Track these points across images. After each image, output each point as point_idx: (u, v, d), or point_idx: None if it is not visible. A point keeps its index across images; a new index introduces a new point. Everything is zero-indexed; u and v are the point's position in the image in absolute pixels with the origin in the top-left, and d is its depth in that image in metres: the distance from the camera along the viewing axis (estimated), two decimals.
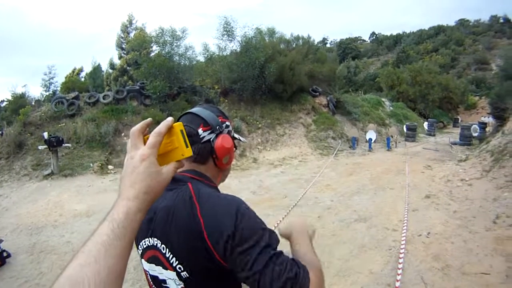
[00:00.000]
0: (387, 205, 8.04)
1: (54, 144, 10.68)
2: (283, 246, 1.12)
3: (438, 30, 78.82)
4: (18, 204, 8.84)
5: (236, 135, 1.39)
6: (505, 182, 7.59)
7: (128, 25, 28.20)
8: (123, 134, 13.09)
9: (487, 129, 20.47)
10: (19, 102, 15.18)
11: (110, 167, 11.59)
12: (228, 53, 17.80)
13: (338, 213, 7.52)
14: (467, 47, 66.38)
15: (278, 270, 0.97)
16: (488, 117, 23.46)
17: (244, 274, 0.98)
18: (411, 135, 20.77)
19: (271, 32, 20.35)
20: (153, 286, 1.19)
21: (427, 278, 4.57)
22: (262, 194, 9.33)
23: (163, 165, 0.86)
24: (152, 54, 17.71)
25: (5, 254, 5.65)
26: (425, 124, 25.74)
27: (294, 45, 23.40)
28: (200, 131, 1.20)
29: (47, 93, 24.23)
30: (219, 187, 1.30)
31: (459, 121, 32.52)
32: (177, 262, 1.07)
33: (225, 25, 17.12)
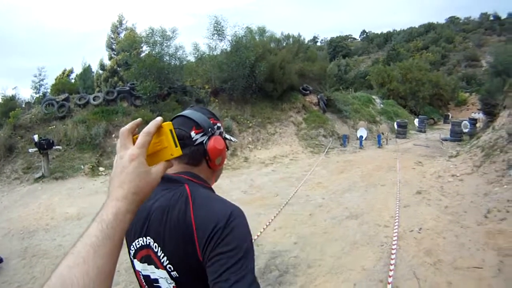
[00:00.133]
0: (379, 201, 8.10)
1: (44, 146, 10.60)
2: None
3: (429, 27, 79.52)
4: (9, 208, 8.76)
5: (227, 136, 1.40)
6: (496, 177, 7.72)
7: (118, 26, 27.93)
8: (113, 136, 13.01)
9: (477, 125, 20.70)
10: (9, 104, 14.95)
11: (101, 168, 11.52)
12: (219, 53, 17.81)
13: (329, 211, 7.55)
14: (457, 44, 67.09)
15: None
16: (479, 113, 23.75)
17: (213, 277, 0.97)
18: (402, 132, 20.95)
19: (262, 31, 20.39)
20: (145, 286, 1.19)
21: (420, 273, 4.61)
22: (253, 193, 9.33)
23: (153, 165, 0.86)
24: (142, 54, 17.61)
25: None
26: (416, 121, 25.98)
27: (284, 44, 23.38)
28: (192, 134, 1.22)
29: (38, 95, 23.95)
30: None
31: (450, 117, 32.84)
32: (168, 261, 1.09)
33: (216, 24, 17.12)
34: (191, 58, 18.32)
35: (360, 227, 6.55)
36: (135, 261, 1.20)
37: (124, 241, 0.93)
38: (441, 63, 59.14)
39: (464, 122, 20.41)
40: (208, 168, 1.27)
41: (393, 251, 5.24)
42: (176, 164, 1.21)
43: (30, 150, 11.00)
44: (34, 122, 13.39)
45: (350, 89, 32.69)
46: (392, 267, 4.73)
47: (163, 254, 1.09)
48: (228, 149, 1.37)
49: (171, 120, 1.25)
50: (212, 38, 17.48)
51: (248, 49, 16.38)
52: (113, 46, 27.74)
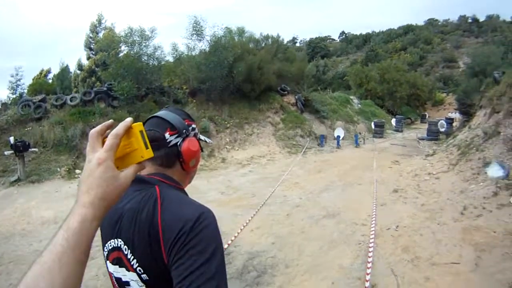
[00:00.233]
0: (356, 200, 8.19)
1: (20, 149, 10.26)
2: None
3: (407, 29, 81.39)
4: None
5: (202, 137, 1.41)
6: (471, 175, 7.89)
7: (97, 25, 27.65)
8: None
9: (454, 125, 21.35)
10: None
11: (77, 171, 11.24)
12: (197, 53, 17.82)
13: (307, 210, 7.58)
14: (435, 45, 68.92)
15: None
16: (455, 113, 24.49)
17: (177, 281, 0.96)
18: (379, 131, 21.37)
19: (241, 31, 20.47)
20: None
21: (398, 270, 4.67)
22: (230, 194, 9.30)
23: (123, 168, 0.84)
24: (121, 54, 17.35)
25: None
26: (393, 121, 26.61)
27: (263, 45, 23.62)
28: (167, 135, 1.21)
29: (14, 96, 23.40)
30: (186, 188, 1.32)
31: (427, 117, 33.78)
32: (137, 264, 1.08)
33: (195, 24, 17.12)
34: (170, 58, 18.27)
35: (337, 226, 6.59)
36: (108, 262, 1.19)
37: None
38: (419, 64, 60.63)
39: (441, 121, 20.99)
40: (182, 170, 1.26)
41: (371, 249, 5.29)
42: (150, 166, 1.22)
43: (5, 153, 10.68)
44: (10, 123, 13.00)
45: (328, 90, 33.10)
46: (369, 265, 4.77)
47: (132, 257, 1.09)
48: (202, 151, 1.37)
49: (145, 121, 1.25)
50: (191, 38, 17.50)
51: (227, 50, 16.43)
52: (92, 46, 27.52)
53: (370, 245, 5.47)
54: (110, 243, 1.16)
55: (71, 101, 14.38)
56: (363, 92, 33.22)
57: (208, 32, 17.44)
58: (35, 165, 11.26)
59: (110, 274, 1.20)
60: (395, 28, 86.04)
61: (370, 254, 5.11)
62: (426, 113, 37.00)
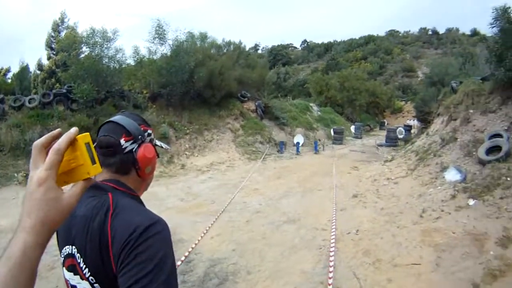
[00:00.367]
0: (316, 206, 8.30)
1: None
2: None
3: (368, 39, 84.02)
4: None
5: (158, 142, 1.41)
6: (429, 179, 8.19)
7: (60, 24, 26.63)
8: None
9: (412, 131, 22.14)
10: None
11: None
12: (159, 57, 17.69)
13: (267, 216, 7.61)
14: (395, 56, 71.48)
15: None
16: (413, 120, 25.50)
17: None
18: (338, 138, 21.79)
19: (203, 36, 20.50)
20: None
21: (359, 273, 4.75)
22: (190, 200, 9.19)
23: (69, 184, 0.78)
24: (82, 55, 16.78)
25: None
26: (352, 128, 27.27)
27: (225, 50, 23.75)
28: (122, 141, 1.19)
29: None
30: (144, 194, 1.33)
31: (386, 124, 34.90)
32: (89, 273, 1.06)
33: (157, 28, 16.99)
34: (131, 61, 18.00)
35: (298, 231, 6.65)
36: (64, 269, 1.17)
37: None
38: (379, 73, 62.61)
39: (400, 128, 21.79)
40: (138, 177, 1.25)
41: (332, 253, 5.36)
42: (105, 172, 1.19)
43: None
44: None
45: (289, 97, 33.55)
46: (331, 269, 4.83)
47: (84, 265, 1.07)
48: (158, 157, 1.36)
49: (101, 126, 1.23)
50: (153, 42, 17.35)
51: (189, 54, 16.42)
52: (53, 45, 26.55)
53: (331, 249, 5.53)
54: (65, 249, 1.14)
55: (29, 102, 13.93)
56: (323, 100, 33.84)
57: (170, 36, 17.39)
58: None
59: (66, 281, 1.18)
60: (356, 38, 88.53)
61: (331, 258, 5.17)
62: (385, 120, 38.25)
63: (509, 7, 8.59)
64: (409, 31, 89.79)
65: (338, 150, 18.50)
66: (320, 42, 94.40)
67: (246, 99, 19.99)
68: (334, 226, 6.60)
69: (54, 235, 0.82)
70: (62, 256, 1.16)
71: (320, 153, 17.75)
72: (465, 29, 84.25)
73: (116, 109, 14.39)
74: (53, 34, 26.67)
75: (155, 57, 17.68)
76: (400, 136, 20.73)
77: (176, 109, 16.85)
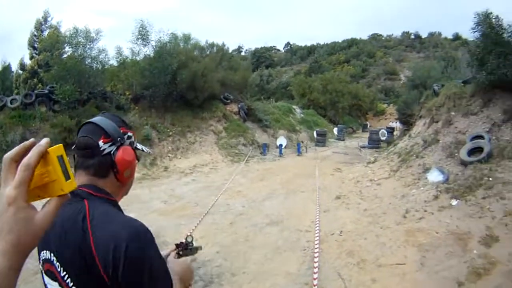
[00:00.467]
0: (299, 207, 8.33)
1: None
2: None
3: (351, 43, 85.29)
4: None
5: (139, 146, 1.37)
6: (412, 180, 8.29)
7: (43, 23, 26.24)
8: None
9: (394, 133, 22.50)
10: None
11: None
12: (141, 58, 17.54)
13: (250, 219, 7.60)
14: (378, 59, 72.76)
15: None
16: (396, 122, 25.91)
17: None
18: (321, 140, 21.93)
19: (187, 38, 20.45)
20: None
21: (344, 273, 4.77)
22: (173, 203, 9.10)
23: (43, 198, 0.73)
24: (65, 56, 16.50)
25: None
26: (335, 130, 27.50)
27: (208, 52, 23.73)
28: (100, 143, 1.17)
29: None
30: (127, 196, 1.34)
31: (368, 126, 35.34)
32: (72, 283, 1.05)
33: (141, 28, 16.86)
34: (114, 62, 17.75)
35: (281, 233, 6.66)
36: (43, 273, 1.15)
37: None
38: (361, 76, 63.57)
39: (382, 130, 22.05)
40: (116, 181, 1.22)
41: (316, 254, 5.37)
42: (83, 175, 1.17)
43: None
44: None
45: (271, 99, 33.66)
46: (316, 270, 4.83)
47: (66, 274, 1.05)
48: (139, 161, 1.34)
49: (80, 127, 1.21)
50: (136, 43, 17.21)
51: (172, 56, 16.34)
52: (36, 45, 26.13)
53: (316, 250, 5.54)
54: (43, 253, 1.12)
55: (11, 103, 13.72)
56: (305, 102, 34.03)
57: (153, 37, 17.29)
58: None
59: (45, 285, 1.16)
60: (340, 41, 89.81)
61: (316, 260, 5.18)
62: (367, 122, 38.69)
63: (491, 13, 8.79)
64: (392, 35, 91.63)
65: (321, 152, 18.61)
66: (303, 45, 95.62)
67: (229, 101, 19.95)
68: (317, 228, 6.62)
69: None
70: (41, 260, 1.14)
71: (303, 155, 17.80)
72: (447, 34, 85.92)
73: (99, 111, 14.13)
74: (35, 33, 26.29)
75: (138, 58, 17.53)
76: (383, 138, 20.98)
77: (159, 110, 16.74)
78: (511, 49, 8.26)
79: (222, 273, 5.02)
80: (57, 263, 1.07)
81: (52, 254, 1.09)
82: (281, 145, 17.72)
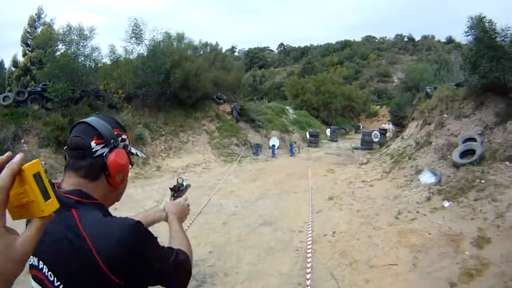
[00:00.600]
0: (292, 208, 8.35)
1: None
2: None
3: (345, 44, 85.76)
4: None
5: (133, 150, 1.35)
6: (404, 182, 8.33)
7: (36, 19, 25.81)
8: (22, 141, 12.06)
9: (387, 135, 22.62)
10: None
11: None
12: (135, 57, 17.51)
13: (243, 219, 7.60)
14: (371, 61, 73.26)
15: (179, 270, 1.22)
16: (389, 124, 26.08)
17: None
18: (314, 141, 22.01)
19: (180, 37, 20.44)
20: None
21: (337, 273, 4.79)
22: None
23: (26, 218, 0.71)
24: (58, 53, 16.38)
25: None
26: (328, 131, 27.63)
27: (201, 52, 23.90)
28: (93, 144, 1.14)
29: None
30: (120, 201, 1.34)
31: (361, 127, 35.61)
32: None
33: (134, 27, 16.82)
34: (107, 61, 17.70)
35: (274, 233, 6.66)
36: (31, 277, 1.14)
37: None
38: (354, 77, 63.91)
39: (375, 132, 22.25)
40: (108, 185, 1.19)
41: (309, 255, 5.38)
42: (73, 177, 1.14)
43: None
44: None
45: (264, 99, 33.73)
46: (309, 270, 4.85)
47: (62, 286, 1.03)
48: (132, 165, 1.31)
49: (73, 127, 1.18)
50: (130, 41, 17.18)
51: (165, 55, 16.33)
52: (29, 42, 25.76)
53: (308, 251, 5.55)
54: (32, 258, 1.09)
55: (3, 100, 13.53)
56: (298, 103, 34.10)
57: (147, 36, 17.26)
58: None
59: None
60: (333, 42, 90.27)
61: (308, 260, 5.19)
62: (360, 124, 39.03)
63: (484, 17, 8.86)
64: (385, 37, 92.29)
65: (313, 153, 18.69)
66: (296, 46, 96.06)
67: (222, 101, 19.96)
68: (310, 228, 6.63)
69: None
70: (28, 263, 1.07)
71: (295, 155, 17.86)
72: (441, 37, 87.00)
73: (91, 109, 14.19)
74: (29, 30, 25.95)
75: (131, 57, 17.49)
76: (375, 140, 21.14)
77: (152, 110, 16.73)
78: (504, 53, 8.33)
79: (215, 273, 5.02)
80: (49, 273, 1.04)
81: (41, 262, 1.07)
82: (273, 145, 17.78)
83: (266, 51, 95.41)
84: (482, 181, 6.40)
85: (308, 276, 4.68)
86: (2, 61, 28.99)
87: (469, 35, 9.20)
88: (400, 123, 17.63)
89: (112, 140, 1.18)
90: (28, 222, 0.92)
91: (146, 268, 1.05)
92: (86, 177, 1.14)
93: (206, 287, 4.67)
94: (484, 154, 7.28)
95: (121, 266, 0.99)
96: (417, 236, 5.61)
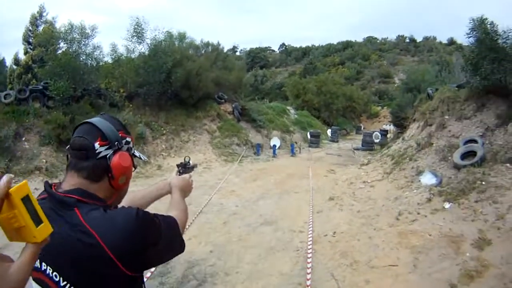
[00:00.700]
0: (292, 208, 8.34)
1: None
2: None
3: (346, 45, 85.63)
4: None
5: (136, 153, 1.34)
6: (405, 183, 8.32)
7: (38, 18, 25.76)
8: (23, 139, 12.01)
9: (388, 136, 22.64)
10: None
11: (10, 175, 10.25)
12: (136, 56, 17.52)
13: (243, 218, 7.60)
14: (372, 62, 73.13)
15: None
16: (390, 125, 26.06)
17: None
18: (315, 141, 22.03)
19: (182, 36, 20.45)
20: None
21: (337, 274, 4.79)
22: (166, 202, 8.98)
23: (22, 241, 0.69)
24: (59, 51, 16.38)
25: None
26: (329, 131, 27.64)
27: (203, 51, 23.89)
28: (96, 145, 1.14)
29: None
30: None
31: (362, 128, 35.52)
32: None
33: (136, 26, 16.84)
34: (108, 59, 17.65)
35: (275, 233, 6.66)
36: (31, 279, 1.10)
37: None
38: (356, 78, 63.80)
39: (376, 133, 22.21)
40: (110, 187, 1.19)
41: (309, 255, 5.39)
42: (75, 177, 1.13)
43: None
44: None
45: (266, 99, 33.74)
46: (309, 270, 4.85)
47: (69, 285, 1.04)
48: (135, 168, 1.31)
49: (77, 126, 1.17)
50: (131, 40, 17.17)
51: (166, 54, 16.34)
52: (30, 40, 25.72)
53: (309, 251, 5.56)
54: None
55: (5, 98, 13.48)
56: (300, 103, 34.10)
57: (148, 35, 17.26)
58: None
59: None
60: (334, 43, 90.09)
61: (309, 260, 5.20)
62: (361, 124, 38.90)
63: (486, 18, 8.85)
64: (387, 38, 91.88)
65: (314, 153, 18.70)
66: (298, 46, 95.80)
67: (223, 100, 19.98)
68: (311, 228, 6.64)
69: None
70: None
71: (296, 156, 17.87)
72: (442, 38, 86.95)
73: (93, 108, 14.17)
74: (30, 28, 25.91)
75: (133, 56, 17.49)
76: (376, 141, 21.14)
77: (153, 109, 16.72)
78: (506, 55, 8.33)
79: (216, 273, 5.02)
80: (54, 273, 1.05)
81: (44, 264, 1.07)
82: (274, 145, 17.80)
83: (268, 51, 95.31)
84: (483, 183, 6.39)
85: (309, 276, 4.69)
86: (3, 59, 28.90)
87: (470, 36, 9.20)
88: (401, 124, 17.63)
89: (116, 142, 1.18)
90: None
91: (151, 250, 1.09)
92: (88, 178, 1.13)
93: (206, 287, 4.67)
94: (485, 156, 7.27)
95: (129, 254, 1.02)
96: (417, 237, 5.61)
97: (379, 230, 6.28)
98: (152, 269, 4.60)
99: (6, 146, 11.12)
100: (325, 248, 5.78)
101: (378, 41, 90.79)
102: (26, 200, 0.67)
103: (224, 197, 9.46)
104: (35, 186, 9.42)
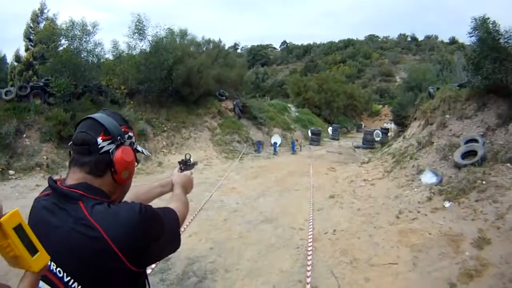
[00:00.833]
0: (293, 205, 8.36)
1: None
2: None
3: (348, 43, 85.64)
4: None
5: (139, 148, 1.36)
6: (406, 181, 8.33)
7: (39, 14, 25.72)
8: (24, 136, 12.02)
9: (389, 134, 22.69)
10: None
11: (11, 172, 10.38)
12: (137, 53, 17.48)
13: (244, 215, 7.61)
14: (374, 60, 73.21)
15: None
16: (391, 124, 26.04)
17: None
18: (316, 139, 22.02)
19: (183, 33, 20.48)
20: None
21: (337, 271, 4.80)
22: (167, 199, 9.02)
23: (19, 268, 0.69)
24: (60, 48, 16.37)
25: None
26: (330, 129, 27.64)
27: (204, 48, 23.87)
28: (99, 140, 1.14)
29: None
30: None
31: (363, 126, 35.55)
32: (79, 286, 1.04)
33: (137, 23, 16.81)
34: (109, 56, 17.66)
35: (275, 230, 6.67)
36: None
37: None
38: (357, 76, 64.01)
39: (376, 131, 22.23)
40: (113, 181, 1.19)
41: (309, 252, 5.40)
42: (78, 172, 1.14)
43: None
44: None
45: (267, 97, 33.76)
46: (309, 268, 4.86)
47: (72, 280, 1.04)
48: (138, 163, 1.32)
49: (80, 122, 1.17)
50: (133, 37, 17.15)
51: (168, 51, 16.33)
52: (31, 37, 25.69)
53: (309, 248, 5.57)
54: None
55: (6, 95, 13.50)
56: (300, 101, 34.14)
57: (150, 32, 17.24)
58: None
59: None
60: (336, 41, 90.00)
61: (309, 257, 5.21)
62: (362, 123, 38.91)
63: (488, 18, 8.82)
64: (389, 36, 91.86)
65: (315, 151, 18.72)
66: (299, 43, 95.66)
67: (224, 98, 20.00)
68: (311, 226, 6.65)
69: None
70: None
71: (297, 153, 17.90)
72: (444, 37, 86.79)
73: (94, 104, 14.19)
74: (31, 25, 25.86)
75: (134, 53, 17.46)
76: (377, 139, 21.17)
77: (154, 106, 16.74)
78: (507, 54, 8.32)
79: (216, 269, 5.03)
80: (58, 269, 1.04)
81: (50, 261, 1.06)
82: (275, 143, 17.80)
83: (269, 49, 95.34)
84: (483, 182, 6.40)
85: (309, 273, 4.70)
86: (4, 55, 29.00)
87: (472, 36, 9.17)
88: (402, 123, 17.62)
89: (119, 137, 1.18)
90: None
91: (154, 245, 1.10)
92: (91, 173, 1.13)
93: (206, 283, 4.68)
94: (486, 155, 7.27)
95: (133, 248, 1.02)
96: (417, 235, 5.62)
97: (379, 228, 6.30)
98: (153, 266, 4.62)
99: (7, 142, 11.13)
100: (325, 246, 5.79)
101: (379, 39, 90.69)
102: (19, 229, 0.66)
103: (224, 194, 9.47)
104: (36, 183, 9.45)
